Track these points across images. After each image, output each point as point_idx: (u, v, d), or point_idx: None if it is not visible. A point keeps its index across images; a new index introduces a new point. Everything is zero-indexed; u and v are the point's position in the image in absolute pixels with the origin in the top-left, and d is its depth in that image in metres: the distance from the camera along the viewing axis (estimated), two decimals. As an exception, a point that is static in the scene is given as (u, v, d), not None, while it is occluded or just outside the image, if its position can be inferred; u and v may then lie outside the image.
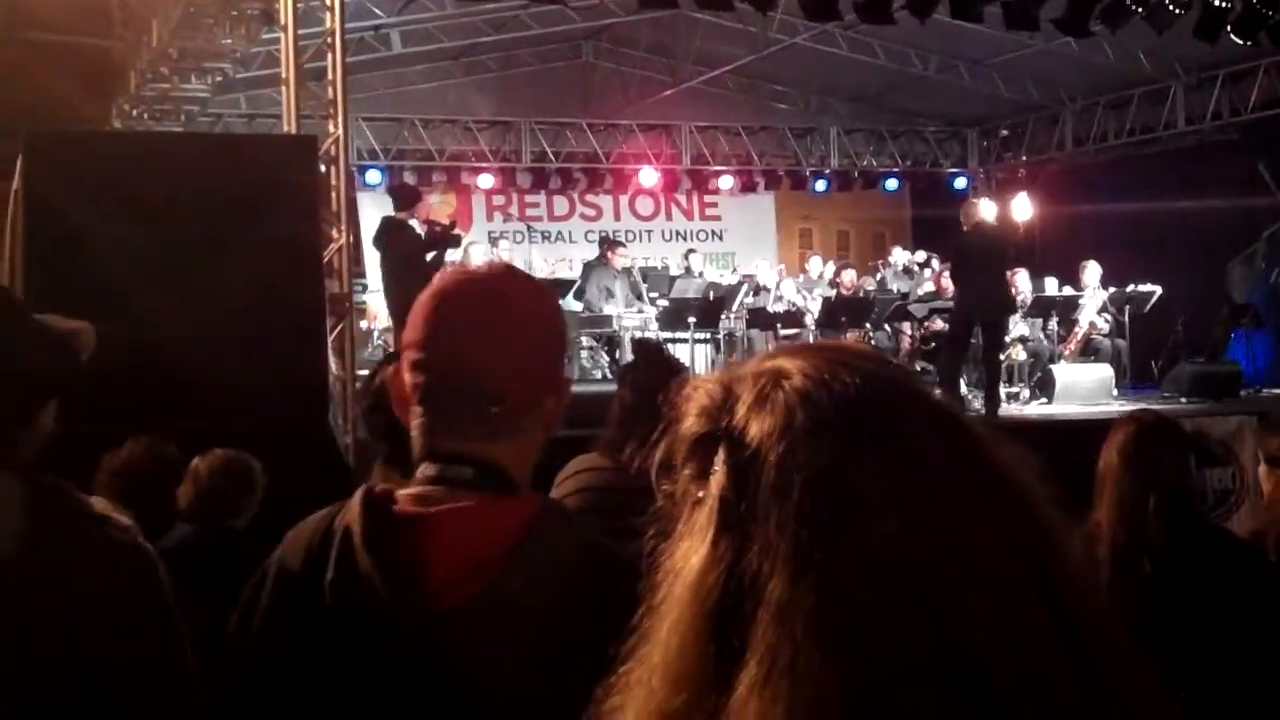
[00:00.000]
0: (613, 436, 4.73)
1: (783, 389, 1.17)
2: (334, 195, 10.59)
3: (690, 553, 1.16)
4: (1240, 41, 14.61)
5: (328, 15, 11.10)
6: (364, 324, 16.18)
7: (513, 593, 1.88)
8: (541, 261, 20.16)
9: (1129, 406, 13.42)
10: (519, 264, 17.67)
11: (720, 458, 1.16)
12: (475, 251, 17.03)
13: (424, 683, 1.88)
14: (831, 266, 19.31)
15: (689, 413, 1.22)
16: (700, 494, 1.18)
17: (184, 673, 2.44)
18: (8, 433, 2.43)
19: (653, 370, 4.78)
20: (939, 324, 16.01)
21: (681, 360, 8.59)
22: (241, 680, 2.04)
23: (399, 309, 12.11)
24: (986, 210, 14.22)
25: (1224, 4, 14.08)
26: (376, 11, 16.72)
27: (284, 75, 10.79)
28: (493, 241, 18.70)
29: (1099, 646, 1.12)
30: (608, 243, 17.49)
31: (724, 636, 1.11)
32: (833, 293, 17.26)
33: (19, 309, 2.62)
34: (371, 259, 13.24)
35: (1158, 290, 16.18)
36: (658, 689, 1.16)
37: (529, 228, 21.17)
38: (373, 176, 20.18)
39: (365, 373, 14.20)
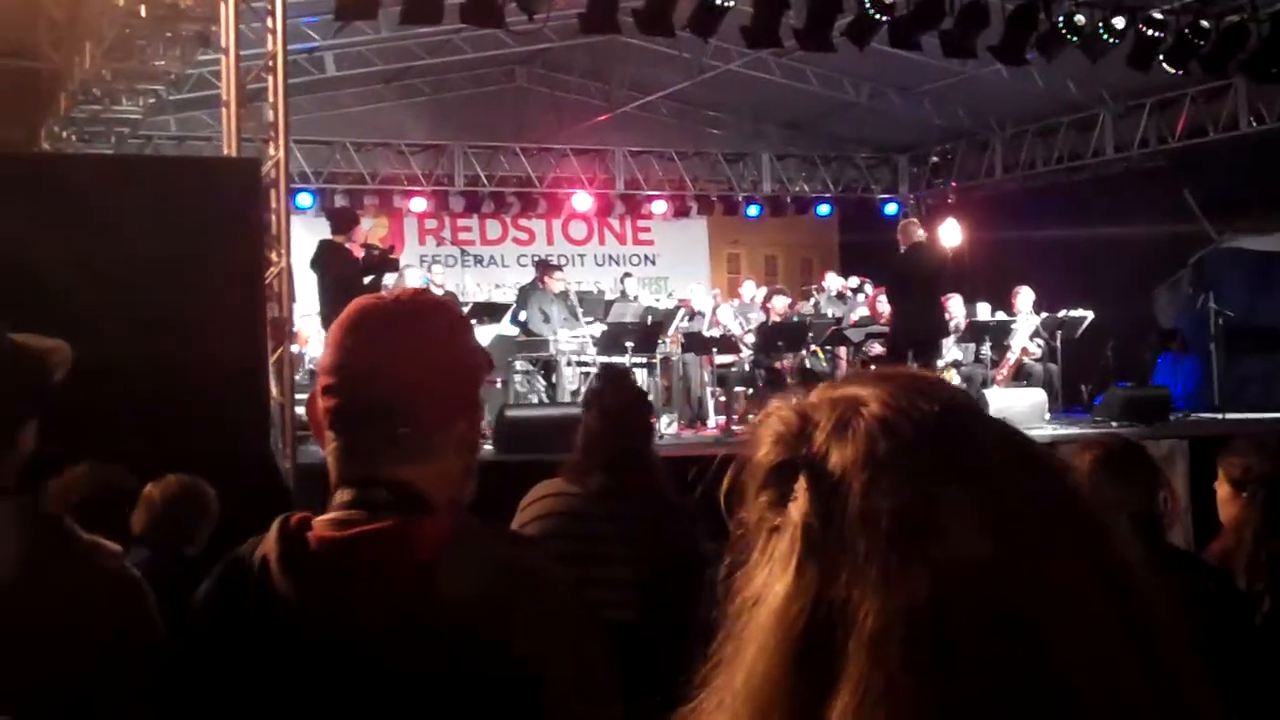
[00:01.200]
0: (577, 461, 4.74)
1: (862, 417, 1.17)
2: (274, 219, 10.50)
3: (773, 581, 1.16)
4: (1171, 71, 14.86)
5: (269, 37, 11.01)
6: (295, 348, 16.04)
7: (433, 611, 1.89)
8: (474, 285, 20.11)
9: (1062, 431, 13.60)
10: (452, 287, 17.75)
11: (801, 486, 1.16)
12: (411, 275, 16.96)
13: (346, 704, 1.90)
14: (764, 292, 19.41)
15: (763, 440, 1.22)
16: (778, 522, 1.17)
17: (170, 701, 2.41)
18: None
19: (619, 395, 4.80)
20: (876, 348, 16.11)
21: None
22: (174, 709, 2.08)
23: (336, 332, 12.00)
24: (921, 233, 14.39)
25: (1156, 34, 14.31)
26: (311, 35, 16.65)
27: (225, 98, 10.68)
28: (427, 266, 18.58)
29: (1176, 667, 1.13)
30: (543, 266, 17.44)
31: (812, 664, 1.11)
32: (766, 318, 17.33)
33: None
34: (305, 282, 13.16)
35: (1089, 315, 16.38)
36: (741, 715, 1.15)
37: (462, 251, 21.11)
38: (304, 199, 20.02)
39: (303, 397, 14.15)
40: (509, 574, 1.99)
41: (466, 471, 2.12)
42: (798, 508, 1.15)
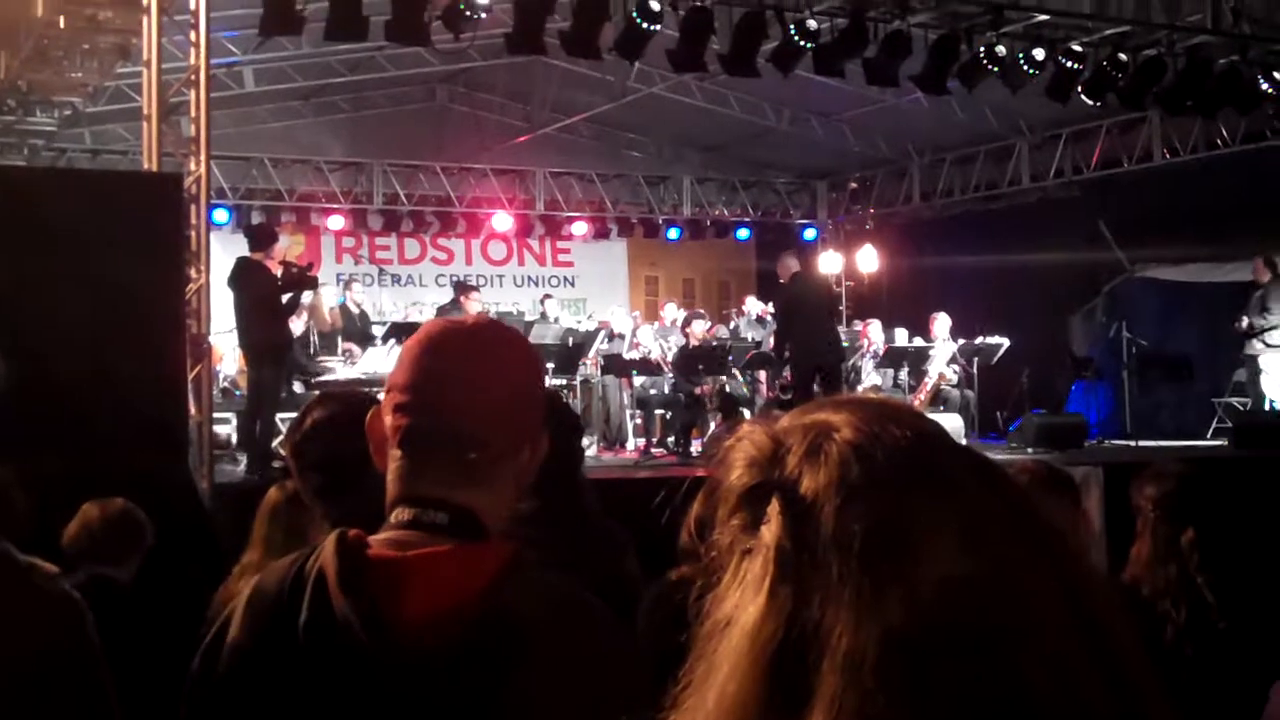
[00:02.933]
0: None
1: (834, 442, 1.19)
2: (194, 234, 10.38)
3: (745, 602, 1.17)
4: (1090, 102, 15.08)
5: (191, 51, 10.89)
6: (210, 366, 15.89)
7: (485, 638, 1.88)
8: (391, 305, 19.98)
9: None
10: (368, 307, 17.64)
11: (774, 509, 1.18)
12: (327, 294, 16.83)
13: None
14: (684, 315, 19.48)
15: (735, 464, 1.24)
16: (750, 545, 1.19)
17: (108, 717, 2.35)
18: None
19: (550, 418, 4.76)
20: (796, 372, 16.19)
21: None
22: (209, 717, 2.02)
23: (254, 350, 11.88)
24: (799, 262, 14.70)
25: (1075, 65, 14.53)
26: (231, 49, 16.51)
27: (145, 111, 10.55)
28: (345, 284, 18.42)
29: (1138, 683, 1.15)
30: (461, 287, 17.39)
31: (785, 685, 1.13)
32: (685, 341, 17.37)
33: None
34: (219, 299, 13.01)
35: (1005, 342, 16.58)
36: None
37: (380, 270, 20.97)
38: (220, 215, 19.80)
39: (228, 415, 13.97)
40: (563, 604, 1.99)
41: (517, 497, 2.13)
42: (770, 531, 1.17)
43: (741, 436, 1.24)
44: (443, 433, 2.01)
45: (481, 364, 2.05)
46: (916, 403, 16.15)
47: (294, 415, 12.23)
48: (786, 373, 16.08)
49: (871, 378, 16.37)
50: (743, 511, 1.20)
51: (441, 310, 17.03)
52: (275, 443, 12.51)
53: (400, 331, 15.45)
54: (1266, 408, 15.59)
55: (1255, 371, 15.85)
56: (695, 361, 16.02)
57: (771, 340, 17.90)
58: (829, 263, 18.36)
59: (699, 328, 17.35)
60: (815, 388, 13.86)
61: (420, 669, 1.87)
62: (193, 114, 10.87)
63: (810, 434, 1.20)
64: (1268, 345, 15.63)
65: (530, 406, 2.12)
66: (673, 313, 19.29)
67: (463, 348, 2.07)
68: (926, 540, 1.13)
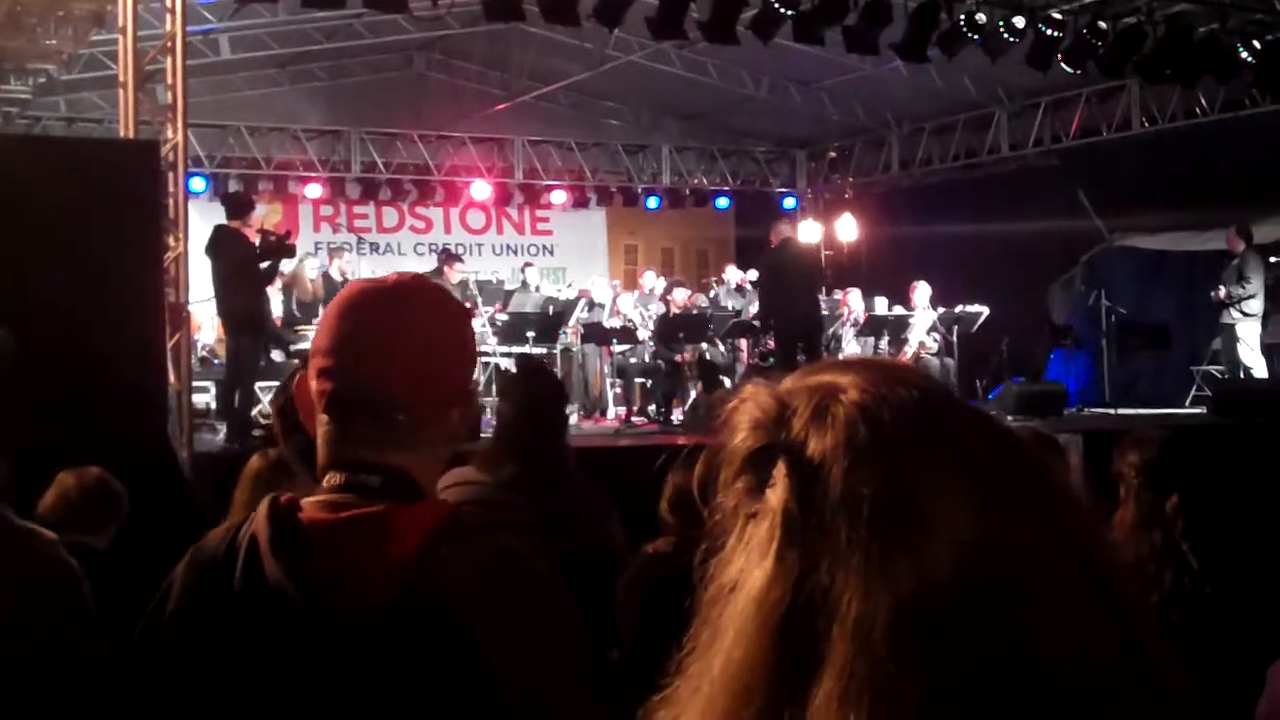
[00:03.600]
0: (490, 450, 4.68)
1: (841, 403, 1.17)
2: (172, 202, 10.31)
3: (751, 567, 1.16)
4: (1070, 70, 15.07)
5: (167, 18, 10.81)
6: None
7: (423, 597, 1.87)
8: (370, 273, 19.84)
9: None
10: (350, 276, 17.56)
11: (780, 471, 1.16)
12: (309, 263, 16.77)
13: (336, 689, 1.87)
14: (664, 283, 19.46)
15: (740, 426, 1.22)
16: (756, 508, 1.17)
17: (104, 684, 2.35)
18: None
19: (534, 385, 4.76)
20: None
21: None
22: (150, 692, 2.01)
23: (233, 318, 11.84)
24: (791, 229, 14.67)
25: (1055, 34, 14.51)
26: (208, 16, 16.41)
27: (121, 79, 10.47)
28: (336, 252, 18.31)
29: (1150, 644, 1.14)
30: (446, 256, 17.36)
31: (793, 650, 1.11)
32: (666, 309, 17.37)
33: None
34: (197, 268, 12.93)
35: (985, 311, 16.61)
36: (719, 702, 1.15)
37: (358, 239, 20.89)
38: (197, 184, 19.66)
39: (207, 384, 13.92)
40: (500, 563, 1.97)
41: (447, 456, 2.11)
42: (776, 494, 1.15)
43: (745, 398, 1.22)
44: (366, 396, 1.99)
45: (401, 324, 2.02)
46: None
47: (273, 384, 12.20)
48: (769, 339, 16.10)
49: (852, 346, 16.38)
50: (748, 474, 1.18)
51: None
52: (255, 411, 12.48)
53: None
54: (1244, 376, 15.63)
55: (1233, 340, 15.89)
56: (675, 329, 16.02)
57: (751, 309, 17.92)
58: (809, 231, 18.28)
59: (680, 295, 17.34)
60: (798, 356, 13.85)
61: (355, 631, 1.85)
62: (169, 81, 10.80)
63: (816, 396, 1.18)
64: (1245, 314, 15.66)
65: (456, 366, 2.09)
66: (652, 281, 19.26)
67: (382, 309, 2.03)
68: (936, 503, 1.11)
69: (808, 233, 17.96)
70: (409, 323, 2.02)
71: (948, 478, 1.13)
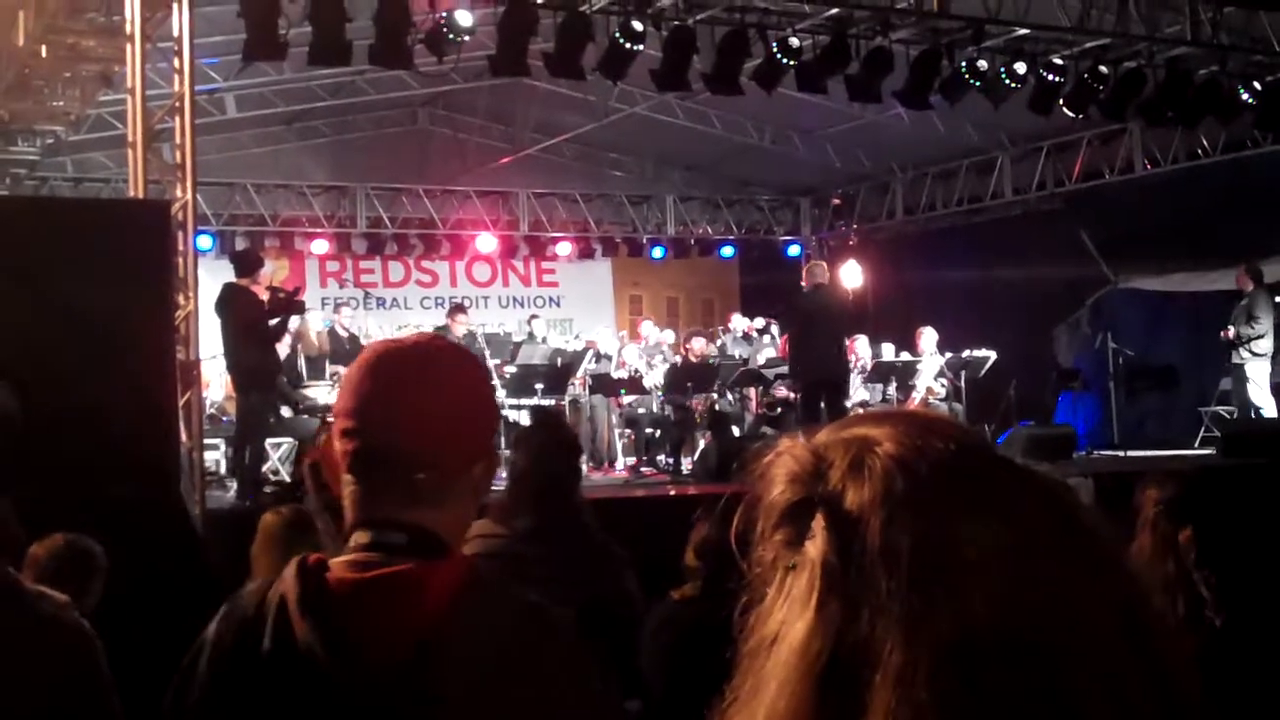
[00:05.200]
0: (505, 502, 4.68)
1: (877, 455, 1.18)
2: (182, 261, 10.36)
3: (792, 619, 1.16)
4: (1071, 115, 15.13)
5: (175, 78, 10.88)
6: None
7: (450, 656, 1.88)
8: (377, 328, 19.93)
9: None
10: (355, 330, 17.61)
11: (818, 524, 1.17)
12: (314, 318, 16.80)
13: None
14: (669, 334, 19.45)
15: (777, 479, 1.23)
16: (795, 560, 1.18)
17: None
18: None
19: (548, 436, 4.76)
20: (783, 390, 16.19)
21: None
22: None
23: (243, 376, 11.86)
24: (825, 274, 14.56)
25: (1056, 79, 14.58)
26: (213, 75, 16.49)
27: (130, 139, 10.53)
28: (335, 308, 18.40)
29: (1184, 692, 1.15)
30: (452, 308, 17.43)
31: (837, 700, 1.12)
32: (676, 359, 17.38)
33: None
34: (206, 325, 12.99)
35: (992, 355, 16.58)
36: None
37: (365, 294, 20.95)
38: (204, 241, 19.73)
39: (216, 441, 13.93)
40: (525, 619, 1.98)
41: (474, 512, 2.13)
42: (816, 546, 1.16)
43: (782, 451, 1.23)
44: (388, 454, 2.01)
45: (422, 383, 2.04)
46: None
47: (283, 440, 12.20)
48: (784, 388, 16.06)
49: (860, 393, 16.36)
50: (786, 527, 1.19)
51: (436, 331, 16.99)
52: (265, 467, 12.49)
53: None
54: (1254, 415, 15.62)
55: (1242, 380, 15.87)
56: (684, 379, 16.01)
57: (759, 357, 17.91)
58: (850, 274, 18.12)
59: (698, 345, 17.34)
60: (821, 406, 13.80)
61: (382, 689, 1.86)
62: (177, 140, 10.85)
63: (852, 448, 1.19)
64: (1254, 354, 15.64)
65: (478, 422, 2.12)
66: (650, 330, 19.28)
67: (401, 368, 2.06)
68: (973, 553, 1.12)
69: (849, 275, 17.80)
70: (430, 381, 2.03)
71: (985, 527, 1.13)
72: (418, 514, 1.99)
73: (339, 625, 1.89)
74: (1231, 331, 15.73)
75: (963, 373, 16.53)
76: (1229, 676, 3.79)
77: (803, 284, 14.51)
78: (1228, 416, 16.66)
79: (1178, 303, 18.85)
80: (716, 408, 16.09)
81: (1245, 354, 15.73)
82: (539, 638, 1.95)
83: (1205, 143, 17.59)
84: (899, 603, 1.10)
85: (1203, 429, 17.33)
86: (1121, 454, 16.22)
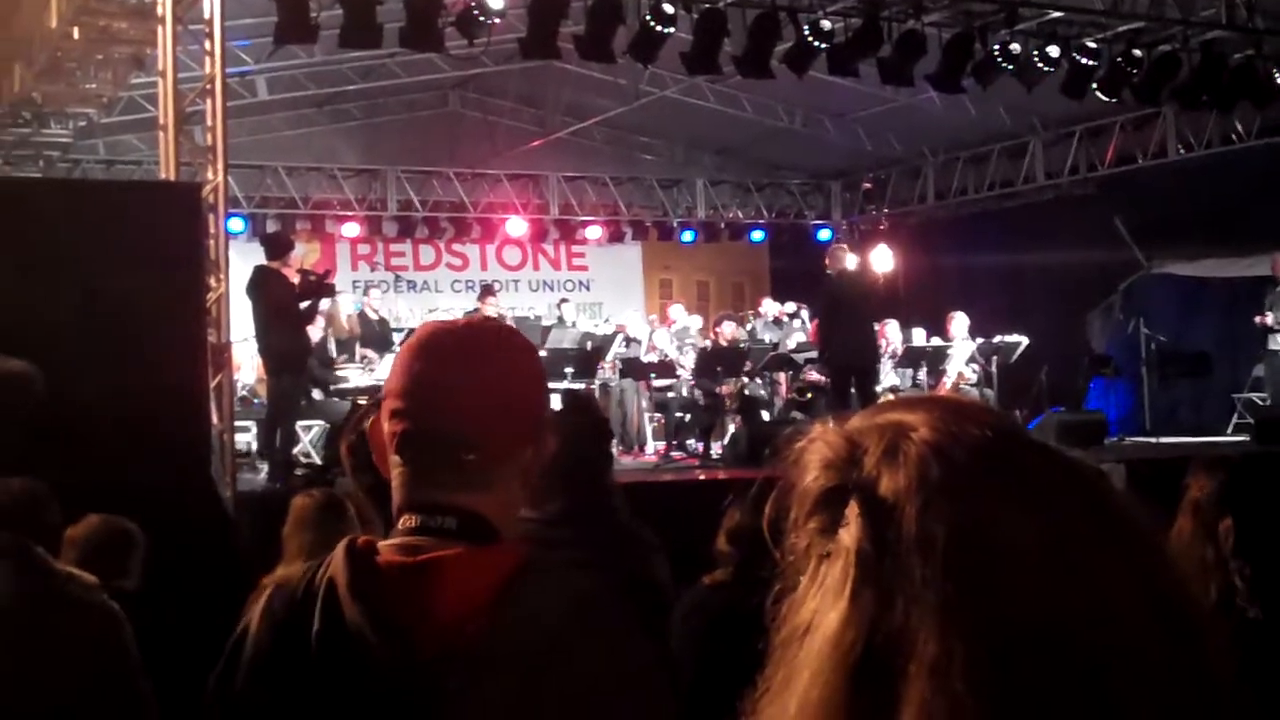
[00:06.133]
0: (535, 486, 4.67)
1: (912, 442, 1.16)
2: (213, 243, 10.39)
3: (826, 608, 1.15)
4: (1105, 99, 15.05)
5: (206, 60, 10.90)
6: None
7: (501, 641, 1.86)
8: (407, 311, 19.98)
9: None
10: (385, 313, 17.66)
11: (853, 511, 1.15)
12: (344, 301, 16.84)
13: None
14: (698, 319, 19.42)
15: (810, 466, 1.21)
16: (829, 548, 1.17)
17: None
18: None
19: (580, 420, 4.75)
20: (813, 374, 16.16)
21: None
22: None
23: (274, 358, 11.90)
24: (851, 259, 14.49)
25: (1090, 62, 14.50)
26: (244, 58, 16.54)
27: (161, 121, 10.56)
28: (364, 290, 18.46)
29: (1226, 689, 1.13)
30: (482, 290, 17.46)
31: (871, 690, 1.11)
32: (705, 343, 17.34)
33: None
34: (237, 308, 13.06)
35: (1024, 340, 16.53)
36: None
37: (395, 277, 21.00)
38: (235, 224, 19.77)
39: (248, 424, 14.00)
40: (580, 607, 1.96)
41: (524, 496, 2.10)
42: (850, 534, 1.15)
43: (815, 437, 1.21)
44: (438, 436, 1.99)
45: (473, 364, 2.03)
46: (934, 399, 16.08)
47: (314, 423, 12.24)
48: (814, 372, 16.02)
49: (890, 378, 16.32)
50: (820, 514, 1.17)
51: (467, 315, 17.02)
52: (296, 450, 12.53)
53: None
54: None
55: (1276, 366, 15.78)
56: (714, 363, 15.99)
57: (789, 342, 17.88)
58: (880, 258, 18.08)
59: (728, 329, 17.33)
60: (852, 390, 13.78)
61: (435, 675, 1.85)
62: (209, 123, 10.88)
63: (886, 434, 1.17)
64: (1290, 340, 15.56)
65: (529, 405, 2.09)
66: (680, 315, 19.25)
67: (453, 349, 2.06)
68: (1010, 540, 1.10)
69: (880, 260, 17.76)
70: (479, 362, 2.03)
71: (1021, 515, 1.12)
72: (466, 497, 1.97)
73: (389, 609, 1.88)
74: (1269, 318, 15.63)
75: (994, 358, 16.48)
76: (1260, 669, 3.77)
77: (827, 269, 14.44)
78: (1260, 403, 16.58)
79: (1211, 288, 18.75)
80: (746, 392, 16.07)
81: (1280, 340, 15.65)
82: (594, 627, 1.93)
83: (1240, 127, 17.46)
84: (934, 592, 1.09)
85: (1235, 415, 17.24)
86: (1154, 440, 16.16)
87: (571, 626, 1.90)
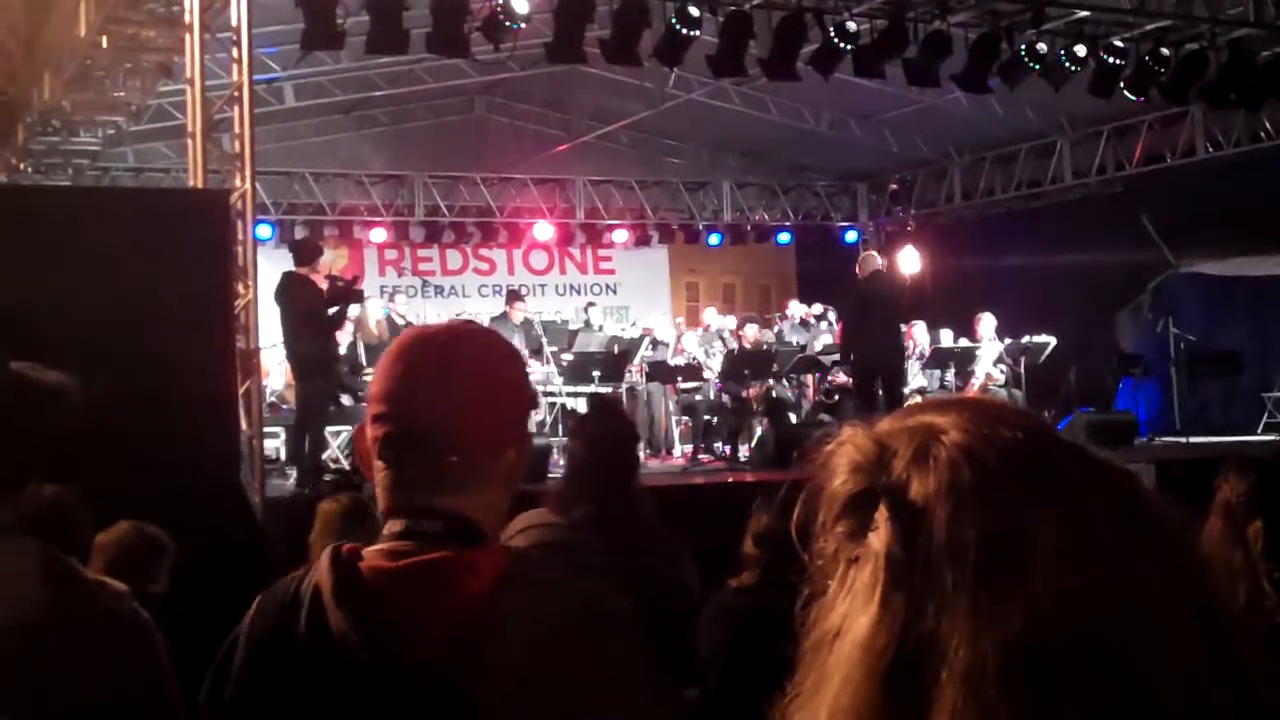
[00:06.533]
0: (563, 491, 4.67)
1: (942, 445, 1.15)
2: (241, 250, 10.43)
3: (856, 613, 1.14)
4: (1132, 98, 14.98)
5: (234, 68, 10.94)
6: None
7: (490, 645, 1.86)
8: (435, 316, 19.99)
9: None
10: (413, 318, 17.68)
11: (882, 515, 1.15)
12: (372, 306, 16.86)
13: None
14: (731, 320, 19.41)
15: (839, 469, 1.20)
16: (858, 553, 1.16)
17: None
18: (17, 494, 2.33)
19: (606, 424, 4.74)
20: (841, 376, 16.13)
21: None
22: None
23: (302, 364, 11.91)
24: (881, 263, 14.45)
25: (1117, 61, 14.43)
26: (271, 65, 16.58)
27: (190, 129, 10.60)
28: (389, 296, 18.51)
29: (1264, 688, 1.11)
30: (510, 295, 17.47)
31: (902, 696, 1.10)
32: (733, 346, 17.31)
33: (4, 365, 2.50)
34: (265, 314, 13.08)
35: (1052, 341, 16.47)
36: None
37: (423, 282, 21.00)
38: (263, 231, 19.81)
39: (276, 429, 14.02)
40: (570, 606, 1.96)
41: (507, 499, 2.10)
42: (879, 538, 1.14)
43: (843, 440, 1.20)
44: (418, 438, 2.00)
45: (453, 368, 2.04)
46: (962, 401, 16.03)
47: (343, 428, 12.26)
48: (841, 374, 15.99)
49: (918, 379, 16.28)
50: (849, 518, 1.17)
51: (494, 321, 17.04)
52: (325, 455, 12.56)
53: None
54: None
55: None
56: (741, 366, 15.97)
57: (816, 344, 17.85)
58: (908, 260, 17.94)
59: (751, 331, 17.32)
60: (877, 392, 13.75)
61: (422, 679, 1.85)
62: (236, 130, 10.92)
63: (917, 437, 1.16)
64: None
65: (507, 406, 2.10)
66: (713, 318, 19.22)
67: (434, 354, 2.06)
68: (1042, 545, 1.09)
69: (907, 261, 17.66)
70: (459, 365, 2.04)
71: (1054, 519, 1.10)
72: (450, 500, 1.98)
73: (374, 615, 1.89)
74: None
75: (1022, 358, 16.42)
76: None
77: (858, 274, 14.42)
78: (1292, 403, 16.50)
79: (1240, 287, 18.67)
80: (774, 394, 16.05)
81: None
82: (587, 628, 1.93)
83: (1268, 125, 17.35)
84: (966, 597, 1.08)
85: (1266, 414, 17.15)
86: (1184, 440, 16.08)
87: (565, 630, 1.90)
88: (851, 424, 1.23)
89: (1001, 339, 16.78)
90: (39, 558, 2.26)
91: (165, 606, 5.28)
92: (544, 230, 22.38)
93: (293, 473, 12.35)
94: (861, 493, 1.16)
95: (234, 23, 11.05)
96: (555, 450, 12.45)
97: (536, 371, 15.57)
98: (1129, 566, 1.11)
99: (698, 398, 16.63)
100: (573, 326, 18.24)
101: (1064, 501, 1.12)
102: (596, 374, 15.18)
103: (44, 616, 2.19)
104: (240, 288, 10.38)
